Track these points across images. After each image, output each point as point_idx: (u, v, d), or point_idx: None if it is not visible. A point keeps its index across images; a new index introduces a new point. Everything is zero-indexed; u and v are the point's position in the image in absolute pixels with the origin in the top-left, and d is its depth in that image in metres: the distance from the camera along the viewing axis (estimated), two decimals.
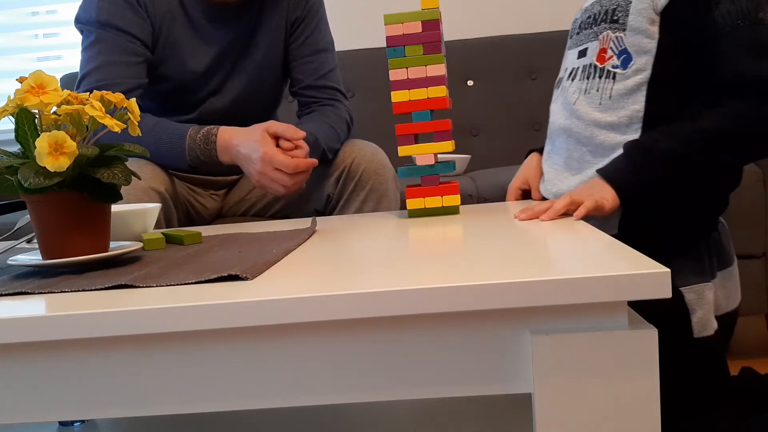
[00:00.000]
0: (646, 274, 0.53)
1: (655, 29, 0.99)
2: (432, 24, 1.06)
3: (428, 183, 1.09)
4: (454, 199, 1.09)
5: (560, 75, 1.19)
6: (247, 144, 1.21)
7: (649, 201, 1.00)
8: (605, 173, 0.98)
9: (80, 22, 1.35)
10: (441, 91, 1.07)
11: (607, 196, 0.95)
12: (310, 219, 1.16)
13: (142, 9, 1.33)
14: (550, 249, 0.66)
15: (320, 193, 1.38)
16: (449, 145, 1.08)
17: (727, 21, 0.93)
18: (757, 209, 1.58)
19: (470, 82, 2.21)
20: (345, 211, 1.34)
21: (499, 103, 2.18)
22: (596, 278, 0.53)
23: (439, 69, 1.07)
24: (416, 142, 1.10)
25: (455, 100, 2.15)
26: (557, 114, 1.13)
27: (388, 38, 1.07)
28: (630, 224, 1.01)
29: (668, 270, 0.53)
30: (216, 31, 1.39)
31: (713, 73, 0.96)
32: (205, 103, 1.42)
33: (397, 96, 1.08)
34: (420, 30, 1.06)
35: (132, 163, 1.24)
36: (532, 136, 2.13)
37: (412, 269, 0.62)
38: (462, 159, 1.93)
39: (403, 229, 0.93)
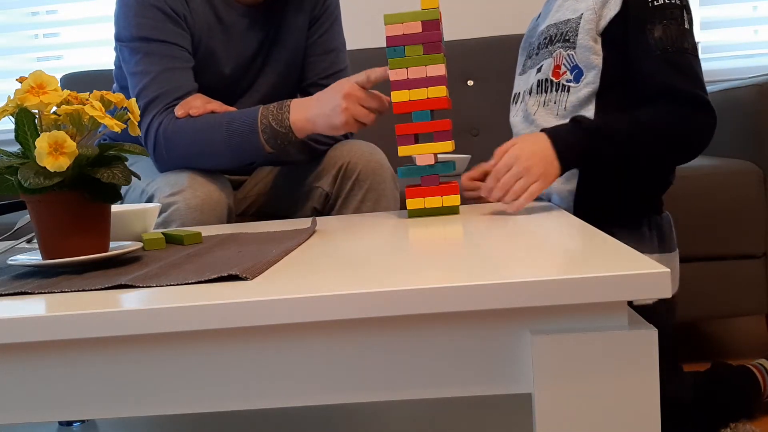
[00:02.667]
0: (646, 274, 0.53)
1: (598, 47, 1.13)
2: (432, 24, 1.06)
3: (428, 183, 1.09)
4: (454, 199, 1.09)
5: (516, 90, 1.32)
6: (328, 90, 1.22)
7: (594, 170, 1.12)
8: (555, 138, 1.05)
9: (122, 40, 1.33)
10: (441, 91, 1.07)
11: (552, 171, 1.04)
12: (310, 219, 1.16)
13: (181, 20, 1.33)
14: (550, 249, 0.66)
15: (318, 191, 1.38)
16: (449, 145, 1.08)
17: (658, 45, 1.08)
18: (757, 209, 1.57)
19: (470, 82, 2.21)
20: (343, 210, 1.35)
21: (499, 103, 2.17)
22: (596, 278, 0.53)
23: (439, 69, 1.06)
24: (416, 142, 1.10)
25: (455, 100, 2.14)
26: (519, 126, 1.26)
27: (388, 38, 1.07)
28: (582, 201, 1.16)
29: (668, 270, 0.53)
30: (247, 33, 1.40)
31: (644, 84, 1.11)
32: (235, 104, 1.42)
33: (397, 96, 1.08)
34: (420, 30, 1.06)
35: (203, 173, 1.26)
36: None
37: (412, 269, 0.62)
38: (462, 159, 1.93)
39: (403, 229, 0.93)
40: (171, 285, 0.64)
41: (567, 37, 1.16)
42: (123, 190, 1.38)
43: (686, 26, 1.10)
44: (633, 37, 1.10)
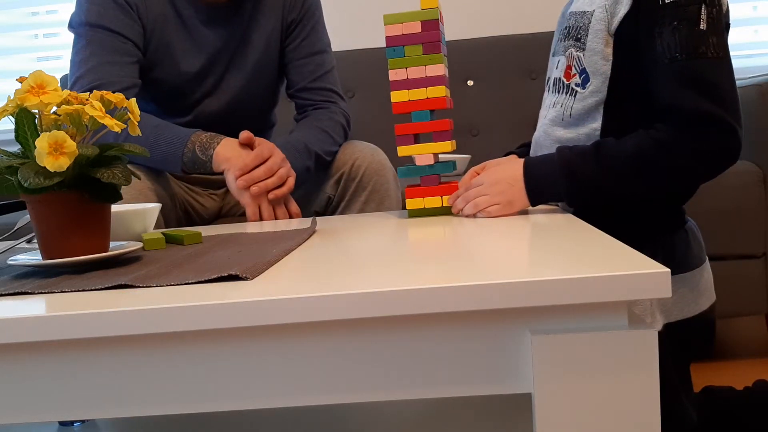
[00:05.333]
0: (646, 274, 0.53)
1: (609, 51, 1.01)
2: (431, 24, 1.06)
3: (428, 183, 1.09)
4: None
5: (547, 74, 1.21)
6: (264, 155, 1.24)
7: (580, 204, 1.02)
8: (527, 171, 1.00)
9: (72, 26, 1.34)
10: (440, 91, 1.07)
11: (517, 203, 1.00)
12: (310, 219, 1.16)
13: (133, 11, 1.32)
14: (550, 249, 0.66)
15: (320, 195, 1.38)
16: (449, 145, 1.08)
17: (666, 53, 0.95)
18: (757, 209, 1.58)
19: (470, 82, 2.21)
20: (347, 212, 1.34)
21: (499, 103, 2.18)
22: (596, 278, 0.53)
23: (439, 69, 1.06)
24: (416, 142, 1.10)
25: (455, 100, 2.15)
26: (539, 122, 1.17)
27: (387, 38, 1.07)
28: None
29: (668, 270, 0.53)
30: (209, 32, 1.38)
31: (654, 100, 0.98)
32: (201, 105, 1.41)
33: (397, 96, 1.08)
34: (419, 30, 1.06)
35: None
36: (532, 136, 2.13)
37: (412, 269, 0.62)
38: (462, 159, 1.93)
39: (403, 229, 0.93)
40: (171, 285, 0.64)
41: (578, 36, 1.05)
42: None
43: (702, 26, 0.94)
44: (644, 42, 0.98)
